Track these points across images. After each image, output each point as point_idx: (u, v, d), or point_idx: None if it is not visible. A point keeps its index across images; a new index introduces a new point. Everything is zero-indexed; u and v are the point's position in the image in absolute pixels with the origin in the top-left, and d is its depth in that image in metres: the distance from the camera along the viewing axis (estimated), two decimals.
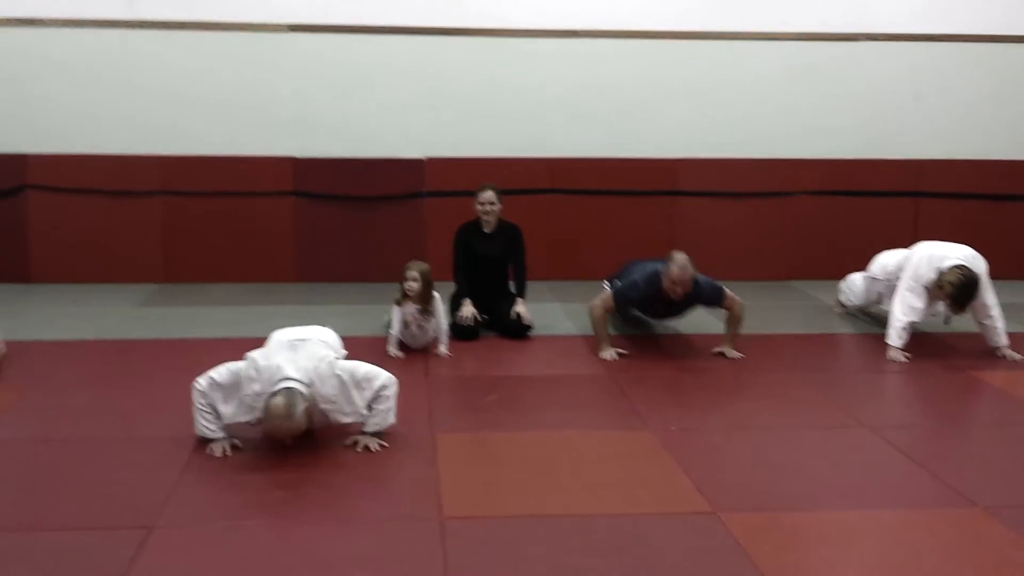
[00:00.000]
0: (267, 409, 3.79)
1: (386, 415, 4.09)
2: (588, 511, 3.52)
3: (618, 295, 5.66)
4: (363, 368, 4.10)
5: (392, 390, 4.10)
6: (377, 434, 4.08)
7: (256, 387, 3.87)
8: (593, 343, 5.67)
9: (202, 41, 7.44)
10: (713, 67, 7.88)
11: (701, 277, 5.49)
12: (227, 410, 3.98)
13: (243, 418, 3.97)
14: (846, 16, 7.90)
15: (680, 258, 5.37)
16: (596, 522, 3.43)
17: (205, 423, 3.99)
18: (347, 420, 4.06)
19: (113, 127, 7.42)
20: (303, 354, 4.01)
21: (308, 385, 3.87)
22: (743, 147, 7.91)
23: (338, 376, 3.99)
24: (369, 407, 4.07)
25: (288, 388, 3.80)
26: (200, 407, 3.99)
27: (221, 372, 4.01)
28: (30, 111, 7.34)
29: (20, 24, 7.29)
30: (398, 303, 5.55)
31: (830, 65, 7.96)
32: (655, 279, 5.47)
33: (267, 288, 7.36)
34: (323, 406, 3.95)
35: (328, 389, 3.95)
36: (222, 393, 3.98)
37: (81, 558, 3.09)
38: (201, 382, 4.00)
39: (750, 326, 5.85)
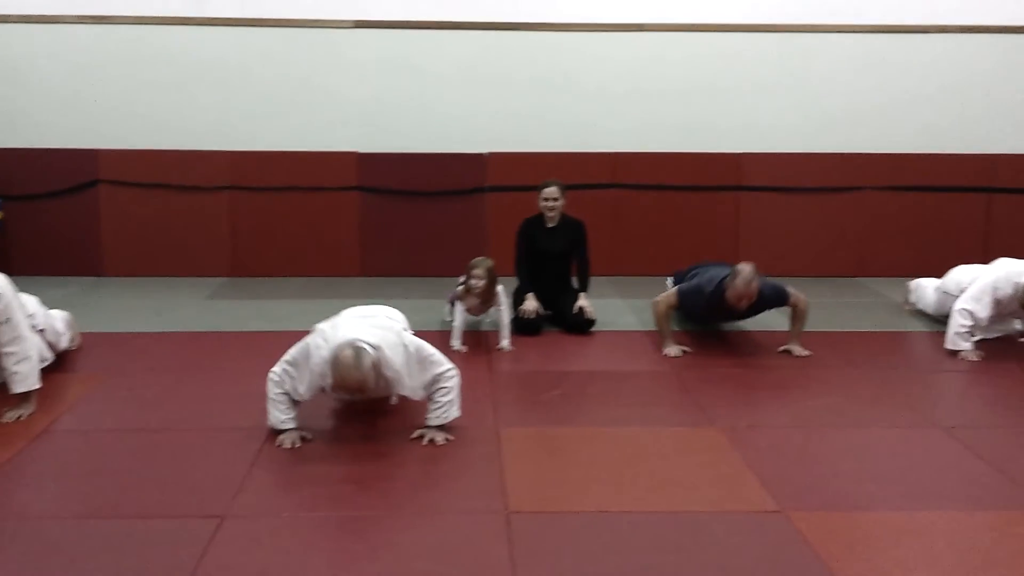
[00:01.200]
0: (335, 360, 3.80)
1: (449, 407, 4.11)
2: (653, 508, 3.49)
3: (682, 296, 5.61)
4: (429, 348, 4.14)
5: (455, 381, 4.12)
6: (442, 427, 4.10)
7: (324, 353, 3.90)
8: (656, 339, 5.64)
9: (268, 37, 7.55)
10: (779, 60, 7.78)
11: (765, 282, 5.41)
12: (303, 387, 4.00)
13: (317, 384, 3.98)
14: (917, 8, 7.73)
15: (745, 272, 5.27)
16: (661, 519, 3.41)
17: (278, 413, 4.04)
18: (405, 393, 4.07)
19: (182, 123, 7.56)
20: (370, 323, 4.09)
21: (376, 348, 3.89)
22: (810, 141, 7.79)
23: (404, 346, 4.04)
24: (430, 397, 4.09)
25: (356, 344, 3.83)
26: (274, 397, 4.05)
27: (291, 353, 4.07)
28: (102, 107, 7.51)
29: (92, 21, 7.45)
30: (460, 298, 5.58)
31: (900, 57, 7.80)
32: (719, 288, 5.40)
33: (331, 282, 7.45)
34: (387, 372, 3.95)
35: (394, 356, 3.97)
36: (296, 371, 4.01)
37: (157, 546, 3.16)
38: (276, 370, 4.06)
39: (817, 323, 5.76)
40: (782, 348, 5.54)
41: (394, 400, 4.19)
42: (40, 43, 7.43)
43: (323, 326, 4.08)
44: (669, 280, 6.39)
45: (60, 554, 3.10)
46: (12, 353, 4.28)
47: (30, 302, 4.70)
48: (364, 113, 7.64)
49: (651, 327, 5.79)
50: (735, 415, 4.52)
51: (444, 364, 4.13)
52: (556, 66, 7.69)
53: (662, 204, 7.76)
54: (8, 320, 4.26)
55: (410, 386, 4.06)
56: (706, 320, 5.92)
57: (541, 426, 4.38)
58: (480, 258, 5.64)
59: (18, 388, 4.30)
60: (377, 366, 3.87)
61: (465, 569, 3.04)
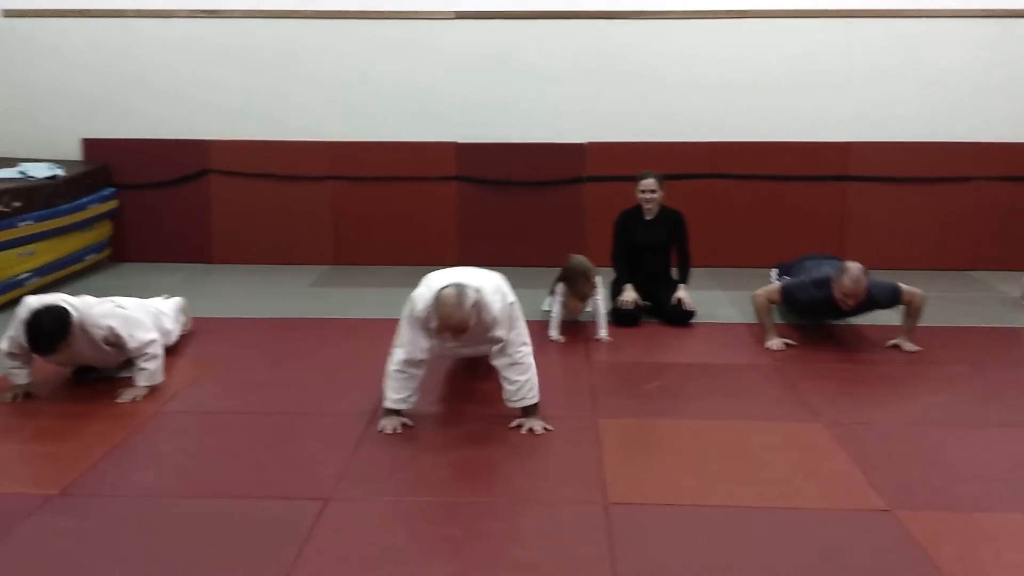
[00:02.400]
0: (438, 299, 3.84)
1: (526, 388, 4.08)
2: (755, 503, 3.44)
3: (786, 292, 5.48)
4: (520, 314, 4.18)
5: (530, 360, 4.11)
6: (540, 416, 4.10)
7: (428, 296, 3.97)
8: (758, 332, 5.54)
9: (371, 30, 7.64)
10: (888, 46, 7.52)
11: (875, 280, 5.25)
12: (421, 343, 4.03)
13: (426, 333, 4.01)
14: None
15: (853, 269, 5.13)
16: (764, 515, 3.36)
17: (392, 392, 4.07)
18: (492, 346, 4.05)
19: (287, 114, 7.72)
20: (470, 271, 4.18)
21: (477, 290, 3.93)
22: (921, 129, 7.52)
23: (503, 295, 4.10)
24: (503, 374, 4.09)
25: (458, 283, 3.88)
26: (391, 371, 4.07)
27: (401, 322, 4.13)
28: (212, 99, 7.73)
29: (204, 16, 7.67)
30: (558, 292, 5.57)
31: (1016, 43, 7.46)
32: (826, 285, 5.27)
33: (430, 271, 7.47)
34: (485, 317, 3.96)
35: (493, 300, 4.00)
36: (409, 333, 4.05)
37: (265, 525, 3.25)
38: (394, 348, 4.12)
39: (928, 318, 5.57)
40: (891, 343, 5.37)
41: (492, 351, 4.14)
42: (155, 37, 7.68)
43: (426, 276, 4.16)
44: (773, 272, 6.28)
45: (172, 531, 3.22)
46: (144, 354, 4.54)
47: (138, 310, 4.81)
48: (464, 103, 7.69)
49: (752, 320, 5.69)
50: (840, 411, 4.41)
51: (524, 336, 4.14)
52: (657, 54, 7.59)
53: (764, 194, 7.61)
54: (132, 336, 4.50)
55: (502, 334, 4.04)
56: (811, 316, 5.78)
57: (640, 417, 4.35)
58: (580, 262, 5.57)
59: (142, 382, 4.52)
60: (478, 307, 3.90)
61: (565, 559, 3.04)
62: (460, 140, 7.68)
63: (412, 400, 4.12)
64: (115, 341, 4.48)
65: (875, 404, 4.63)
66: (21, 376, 4.45)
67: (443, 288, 3.87)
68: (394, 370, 4.10)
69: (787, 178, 7.58)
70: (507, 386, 4.10)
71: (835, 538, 3.20)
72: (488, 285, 4.07)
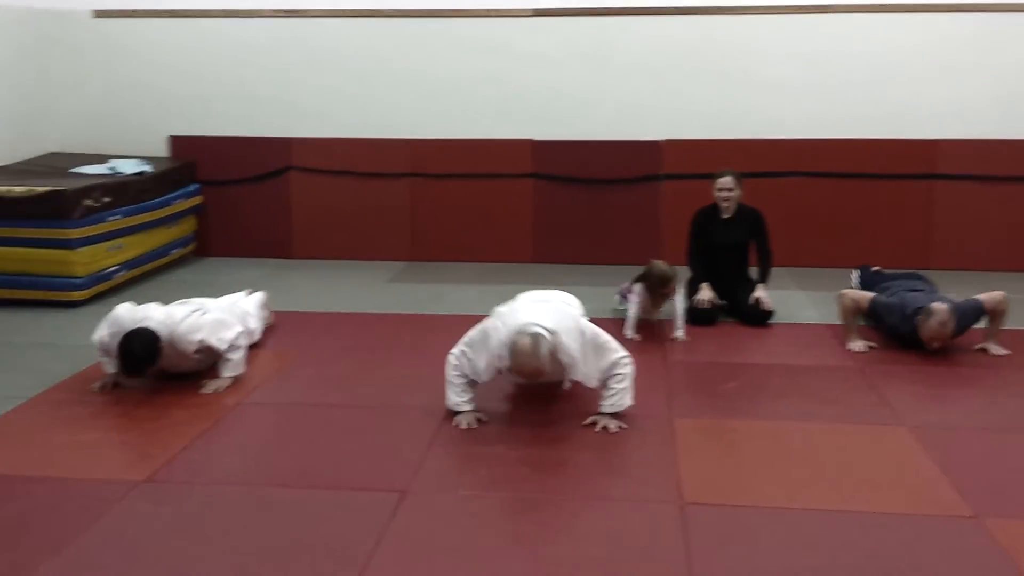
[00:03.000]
0: (513, 346, 3.87)
1: (623, 395, 4.09)
2: (835, 507, 3.38)
3: (874, 308, 5.32)
4: (605, 336, 4.14)
5: (629, 369, 4.10)
6: (615, 415, 4.10)
7: (502, 336, 3.98)
8: (839, 333, 5.43)
9: (448, 28, 7.69)
10: (976, 41, 7.29)
11: (957, 308, 5.07)
12: (482, 365, 4.09)
13: (495, 367, 4.06)
14: None
15: (940, 313, 4.96)
16: (844, 519, 3.30)
17: (454, 395, 4.15)
18: (579, 378, 4.08)
19: (366, 111, 7.81)
20: (547, 307, 4.13)
21: (552, 332, 3.93)
22: (1012, 127, 7.29)
23: (581, 331, 4.06)
24: (605, 384, 4.09)
25: (534, 330, 3.89)
26: (452, 379, 4.16)
27: (470, 334, 4.17)
28: (294, 97, 7.87)
29: (286, 15, 7.81)
30: (635, 292, 5.54)
31: None
32: (913, 318, 5.12)
33: (504, 268, 7.55)
34: (562, 358, 3.99)
35: (570, 341, 3.99)
36: (474, 353, 4.11)
37: (344, 516, 3.30)
38: (455, 352, 4.17)
39: (1017, 320, 5.41)
40: (978, 346, 5.22)
41: (567, 385, 4.21)
42: (239, 36, 7.85)
43: (501, 309, 4.15)
44: (854, 273, 6.16)
45: (254, 519, 3.29)
46: (231, 348, 4.64)
47: (224, 313, 4.95)
48: (540, 101, 7.69)
49: (833, 320, 5.59)
50: (925, 414, 4.30)
51: (619, 351, 4.12)
52: (736, 50, 7.49)
53: (847, 193, 7.45)
54: (220, 339, 4.61)
55: (584, 372, 4.08)
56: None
57: (716, 418, 4.31)
58: (661, 268, 5.51)
59: (227, 373, 4.63)
60: (553, 351, 3.91)
61: (641, 558, 3.03)
62: (536, 138, 7.69)
63: (473, 401, 4.17)
64: (205, 350, 4.60)
65: (960, 408, 4.51)
66: (113, 365, 4.58)
67: (518, 336, 3.88)
68: (454, 376, 4.16)
69: (872, 176, 7.42)
70: (606, 393, 4.10)
71: (919, 544, 3.13)
72: (565, 323, 4.04)
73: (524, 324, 3.93)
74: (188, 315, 4.63)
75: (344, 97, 7.83)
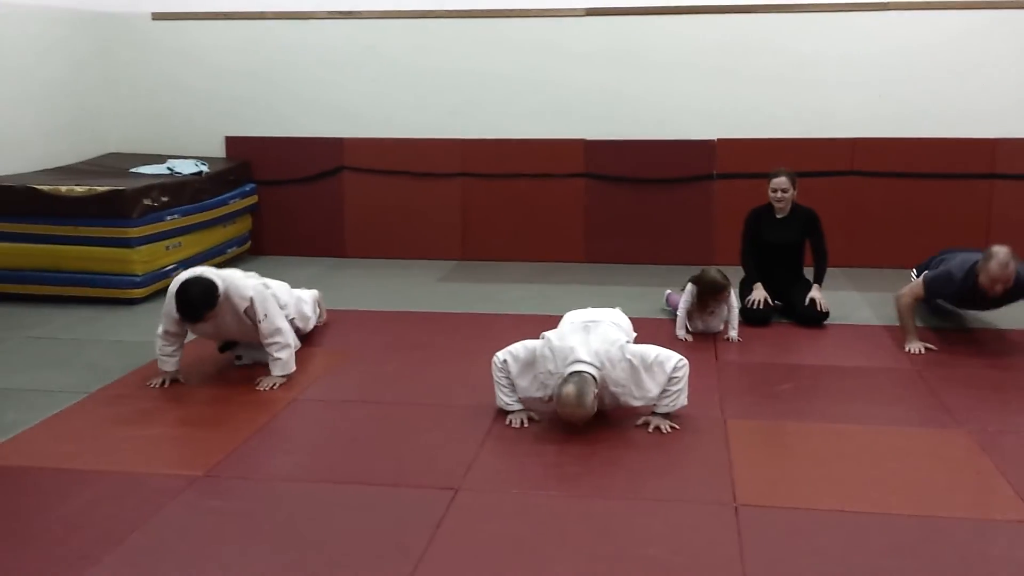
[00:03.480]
0: (560, 396, 3.89)
1: (678, 396, 4.07)
2: (891, 510, 3.33)
3: (929, 285, 5.26)
4: (653, 352, 4.09)
5: (684, 371, 4.07)
6: (668, 416, 4.08)
7: (550, 366, 3.99)
8: (897, 334, 5.34)
9: (500, 28, 7.71)
10: None
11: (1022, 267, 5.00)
12: (522, 383, 4.13)
13: (536, 394, 4.10)
14: None
15: (1001, 253, 4.87)
16: (901, 522, 3.25)
17: (504, 396, 4.17)
18: (636, 404, 4.07)
19: (419, 111, 7.86)
20: (595, 336, 4.07)
21: (599, 368, 3.93)
22: None
23: (629, 360, 4.02)
24: (663, 389, 4.07)
25: (580, 374, 3.87)
26: (499, 380, 4.17)
27: (518, 349, 4.17)
28: (347, 97, 7.94)
29: (340, 17, 7.89)
30: (687, 292, 5.49)
31: None
32: (971, 273, 5.03)
33: (556, 268, 7.55)
34: (613, 389, 4.00)
35: (618, 373, 3.99)
36: (518, 368, 4.14)
37: (398, 512, 3.33)
38: (500, 356, 4.18)
39: None
40: None
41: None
42: (294, 38, 7.95)
43: (550, 335, 4.12)
44: (913, 273, 6.05)
45: (309, 514, 3.33)
46: (275, 343, 4.68)
47: (281, 290, 5.05)
48: (592, 101, 7.67)
49: (890, 322, 5.50)
50: (985, 418, 4.21)
51: (672, 359, 4.07)
52: (791, 49, 7.41)
53: (904, 192, 7.33)
54: (266, 316, 4.65)
55: (639, 396, 4.05)
56: (956, 307, 5.52)
57: (770, 419, 4.26)
58: (714, 277, 5.43)
59: (277, 372, 4.68)
60: (602, 389, 3.94)
61: (695, 559, 3.01)
62: (588, 137, 7.67)
63: (522, 401, 4.18)
64: (252, 315, 4.65)
65: (1022, 411, 4.40)
66: (170, 364, 4.67)
67: (564, 385, 3.87)
68: (500, 377, 4.18)
69: (930, 176, 7.29)
70: (662, 395, 4.07)
71: (981, 549, 3.07)
72: (612, 353, 3.99)
73: (571, 361, 3.92)
74: (249, 276, 4.76)
75: (396, 97, 7.89)
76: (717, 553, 3.04)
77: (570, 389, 3.85)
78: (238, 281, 4.66)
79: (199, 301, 4.42)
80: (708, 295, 5.40)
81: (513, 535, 3.17)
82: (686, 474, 3.70)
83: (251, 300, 4.61)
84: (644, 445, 3.93)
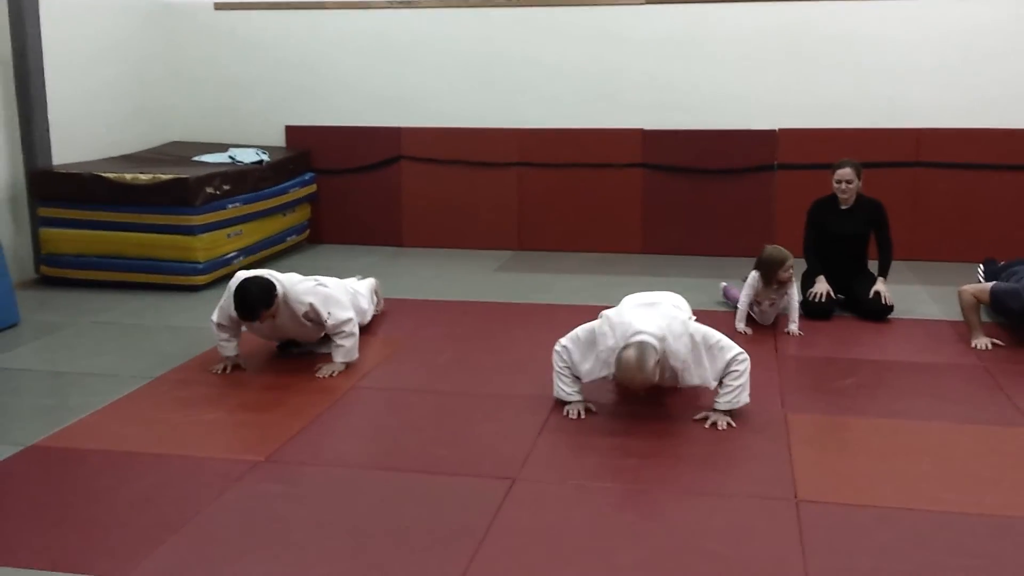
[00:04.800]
0: (619, 360, 3.82)
1: (739, 393, 4.01)
2: (957, 508, 3.26)
3: (997, 296, 5.06)
4: (716, 335, 4.05)
5: (744, 365, 4.02)
6: (727, 412, 4.03)
7: (610, 342, 3.94)
8: (963, 330, 5.22)
9: (559, 17, 7.66)
10: None
11: None
12: (586, 367, 4.08)
13: (601, 373, 4.04)
14: None
15: None
16: (968, 521, 3.18)
17: (563, 386, 4.14)
18: (694, 383, 4.02)
19: (476, 101, 7.86)
20: (656, 312, 4.04)
21: (660, 339, 3.87)
22: None
23: (691, 335, 3.97)
24: (720, 381, 4.02)
25: (640, 341, 3.82)
26: (559, 370, 4.15)
27: (577, 332, 4.14)
28: (405, 87, 7.97)
29: (399, 6, 7.90)
30: (750, 280, 5.41)
31: None
32: None
33: (612, 258, 7.51)
34: (673, 363, 3.93)
35: (679, 347, 3.93)
36: (580, 351, 4.09)
37: (455, 501, 3.34)
38: (561, 342, 4.16)
39: None
40: None
41: (682, 387, 4.15)
42: (352, 28, 7.98)
43: (609, 313, 4.09)
44: (980, 268, 5.91)
45: (367, 501, 3.35)
46: (341, 332, 4.73)
47: (337, 289, 5.04)
48: (650, 90, 7.60)
49: (955, 316, 5.38)
50: None
51: (734, 349, 4.03)
52: (853, 36, 7.25)
53: (972, 184, 7.15)
54: (330, 314, 4.71)
55: (698, 375, 4.01)
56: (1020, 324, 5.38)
57: (832, 414, 4.20)
58: (775, 249, 5.36)
59: (339, 358, 4.72)
60: (662, 359, 3.86)
61: (755, 555, 2.98)
62: (647, 127, 7.61)
63: (581, 392, 4.15)
64: (314, 317, 4.71)
65: None
66: (229, 348, 4.73)
67: (624, 349, 3.82)
68: (561, 367, 4.15)
69: (998, 167, 7.10)
70: (722, 390, 4.02)
71: None
72: (674, 328, 3.95)
73: (631, 333, 3.86)
74: (305, 280, 4.81)
75: (454, 87, 7.90)
76: (778, 549, 3.00)
77: (631, 352, 3.79)
78: (297, 286, 4.70)
79: (257, 300, 4.47)
80: (774, 267, 5.30)
81: (571, 526, 3.17)
82: (746, 468, 3.65)
83: (311, 305, 4.67)
84: (703, 439, 3.89)
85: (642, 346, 3.79)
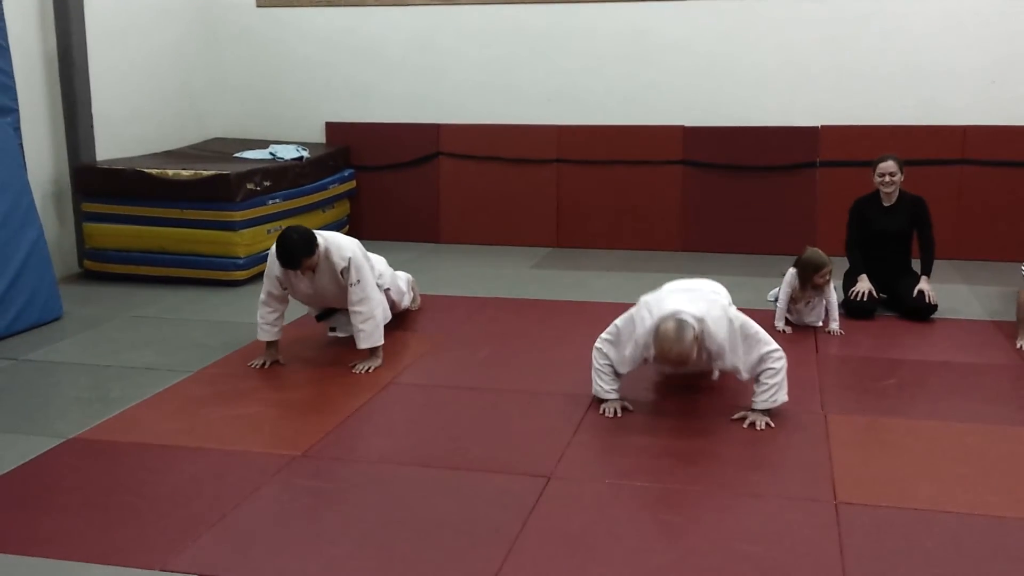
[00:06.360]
0: (658, 332, 3.79)
1: (777, 391, 3.96)
2: (1001, 512, 3.20)
3: None
4: (755, 327, 4.01)
5: (781, 363, 3.97)
6: (765, 412, 3.98)
7: (648, 324, 3.91)
8: (1009, 331, 5.12)
9: (599, 13, 7.62)
10: None
11: None
12: (626, 352, 4.04)
13: (641, 356, 4.00)
14: None
15: None
16: (1008, 525, 3.12)
17: (601, 383, 4.12)
18: (727, 368, 3.98)
19: (515, 97, 7.85)
20: (695, 296, 4.03)
21: (699, 320, 3.83)
22: None
23: (730, 320, 3.94)
24: (756, 378, 3.98)
25: (680, 317, 3.80)
26: (599, 367, 4.13)
27: (616, 322, 4.13)
28: (444, 83, 7.98)
29: (438, 3, 7.91)
30: (787, 278, 5.34)
31: None
32: None
33: (651, 256, 7.46)
34: (709, 345, 3.89)
35: (718, 329, 3.88)
36: (619, 341, 4.07)
37: (491, 498, 3.34)
38: (601, 339, 4.14)
39: None
40: None
41: (715, 376, 4.11)
42: (393, 25, 8.01)
43: (647, 298, 4.08)
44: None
45: (403, 497, 3.36)
46: (359, 312, 4.70)
47: (379, 262, 5.14)
48: (691, 86, 7.54)
49: (1000, 317, 5.29)
50: None
51: (770, 344, 3.99)
52: (896, 31, 7.15)
53: (1017, 182, 7.01)
54: (359, 281, 4.68)
55: (732, 362, 3.97)
56: None
57: (873, 415, 4.13)
58: (814, 253, 5.27)
59: (363, 344, 4.72)
60: (699, 339, 3.82)
61: (792, 556, 2.94)
62: (687, 124, 7.55)
63: (619, 390, 4.13)
64: (346, 276, 4.69)
65: None
66: (270, 333, 4.74)
67: (664, 321, 3.80)
68: (601, 364, 4.12)
69: None
70: (758, 389, 3.98)
71: None
72: (713, 311, 3.92)
73: (670, 312, 3.85)
74: (352, 240, 4.84)
75: (493, 83, 7.89)
76: (816, 551, 2.97)
77: (669, 324, 3.76)
78: (340, 240, 4.75)
79: (298, 247, 4.51)
80: (810, 271, 5.23)
81: (605, 524, 3.15)
82: (784, 469, 3.61)
83: (349, 261, 4.67)
84: (740, 439, 3.85)
85: (681, 321, 3.78)
